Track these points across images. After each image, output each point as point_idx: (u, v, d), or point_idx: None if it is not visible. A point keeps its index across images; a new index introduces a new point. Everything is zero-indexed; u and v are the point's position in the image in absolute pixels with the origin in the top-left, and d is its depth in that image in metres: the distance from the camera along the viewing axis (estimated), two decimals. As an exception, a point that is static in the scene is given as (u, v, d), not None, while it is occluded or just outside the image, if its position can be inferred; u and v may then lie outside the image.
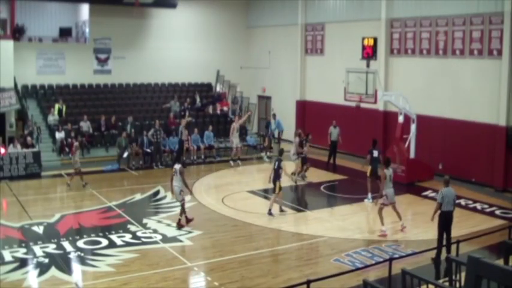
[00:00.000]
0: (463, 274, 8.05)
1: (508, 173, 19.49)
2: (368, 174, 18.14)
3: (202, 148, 24.98)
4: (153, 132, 23.87)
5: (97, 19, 28.36)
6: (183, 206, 15.31)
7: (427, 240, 13.96)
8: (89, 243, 13.82)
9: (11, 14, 26.70)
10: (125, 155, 23.30)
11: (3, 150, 21.08)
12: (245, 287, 11.42)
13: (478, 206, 17.66)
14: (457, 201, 17.56)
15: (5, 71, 23.47)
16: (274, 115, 27.85)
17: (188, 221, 15.35)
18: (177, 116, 27.03)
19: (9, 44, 24.43)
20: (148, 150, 23.78)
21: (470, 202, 17.79)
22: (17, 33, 26.79)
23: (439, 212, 12.91)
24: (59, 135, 23.84)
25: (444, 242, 12.84)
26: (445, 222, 12.89)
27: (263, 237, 14.69)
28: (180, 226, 15.11)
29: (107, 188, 19.75)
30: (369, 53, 20.25)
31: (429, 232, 14.92)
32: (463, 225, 15.81)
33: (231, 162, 23.75)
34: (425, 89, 22.27)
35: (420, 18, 22.60)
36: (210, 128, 25.73)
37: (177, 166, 15.47)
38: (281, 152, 17.48)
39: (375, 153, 18.29)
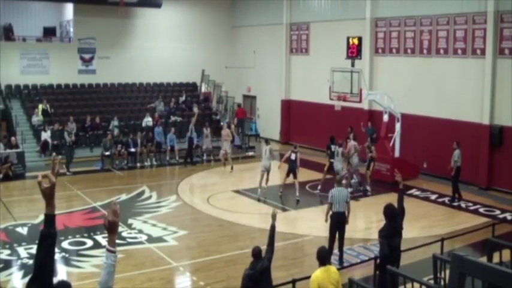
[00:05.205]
0: (448, 272, 8.11)
1: (492, 171, 19.68)
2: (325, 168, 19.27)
3: (176, 149, 24.47)
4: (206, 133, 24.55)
5: (81, 19, 28.22)
6: None
7: (411, 239, 14.02)
8: (73, 244, 13.75)
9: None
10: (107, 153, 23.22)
11: None
12: (231, 286, 11.41)
13: (463, 204, 17.79)
14: (440, 199, 18.03)
15: (-12, 71, 23.32)
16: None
17: None
18: (162, 115, 26.92)
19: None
20: (133, 150, 23.69)
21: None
22: (10, 32, 26.63)
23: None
24: (45, 135, 23.63)
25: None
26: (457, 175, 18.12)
27: (248, 236, 14.67)
28: None
29: (91, 188, 19.63)
30: (354, 52, 20.28)
31: (413, 231, 15.02)
32: (447, 223, 15.95)
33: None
34: (410, 88, 22.40)
35: (404, 17, 22.73)
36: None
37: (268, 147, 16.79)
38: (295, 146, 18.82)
39: (333, 148, 19.06)
